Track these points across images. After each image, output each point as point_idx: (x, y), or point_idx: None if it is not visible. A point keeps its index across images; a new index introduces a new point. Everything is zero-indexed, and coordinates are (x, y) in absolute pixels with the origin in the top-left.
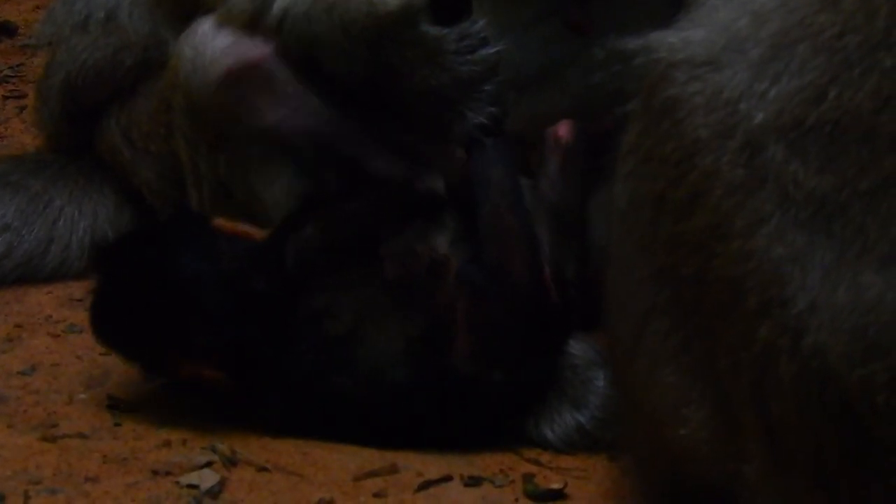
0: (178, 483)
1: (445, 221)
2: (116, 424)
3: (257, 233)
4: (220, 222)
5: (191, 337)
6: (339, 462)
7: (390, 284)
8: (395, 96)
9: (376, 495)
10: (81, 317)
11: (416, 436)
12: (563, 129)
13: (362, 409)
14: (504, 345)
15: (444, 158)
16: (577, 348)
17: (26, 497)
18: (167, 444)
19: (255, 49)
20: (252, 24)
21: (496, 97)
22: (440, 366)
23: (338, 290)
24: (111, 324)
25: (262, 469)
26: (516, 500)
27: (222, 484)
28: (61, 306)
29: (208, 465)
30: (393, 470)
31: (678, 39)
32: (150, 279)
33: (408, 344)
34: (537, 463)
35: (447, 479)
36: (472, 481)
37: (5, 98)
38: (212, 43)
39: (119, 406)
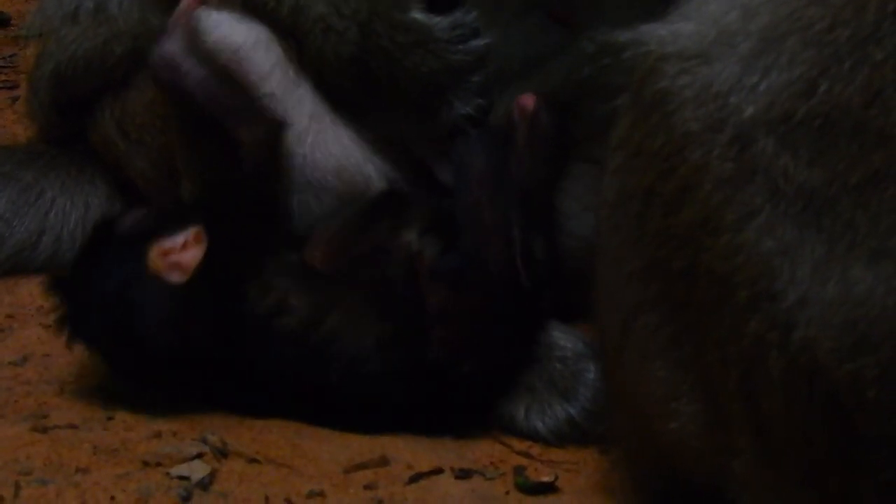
0: (168, 474)
1: (412, 213)
2: (108, 416)
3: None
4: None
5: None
6: (329, 454)
7: (359, 283)
8: (383, 80)
9: (367, 487)
10: None
11: (391, 423)
12: (528, 100)
13: (333, 399)
14: (477, 335)
15: (427, 146)
16: (567, 340)
17: (17, 488)
18: (158, 435)
19: (248, 32)
20: (245, 6)
21: (484, 88)
22: (411, 356)
23: (290, 286)
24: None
25: (253, 461)
26: (507, 492)
27: (213, 475)
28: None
29: (199, 456)
30: (383, 462)
31: (668, 32)
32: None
33: (379, 336)
34: (528, 456)
35: (438, 471)
36: (463, 474)
37: None
38: (205, 28)
39: (110, 397)
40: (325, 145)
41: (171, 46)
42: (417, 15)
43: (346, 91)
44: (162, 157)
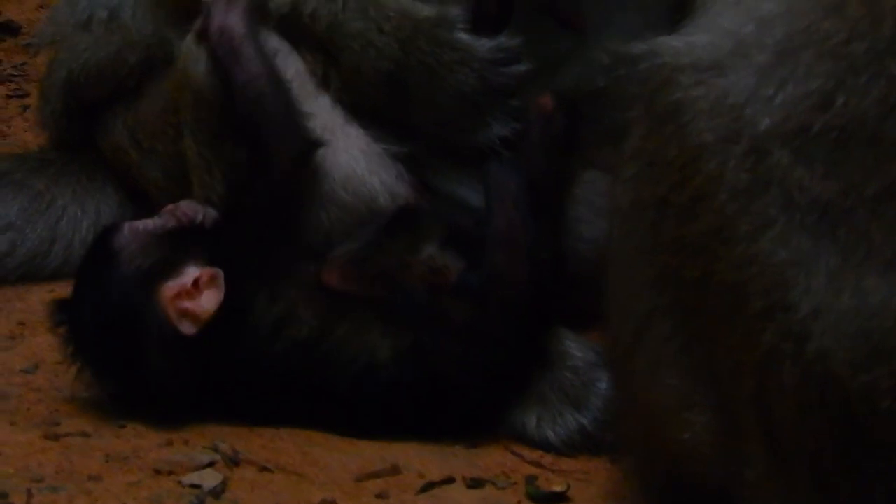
0: (180, 482)
1: (429, 230)
2: (119, 424)
3: None
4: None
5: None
6: (340, 462)
7: (378, 297)
8: (420, 97)
9: (378, 496)
10: None
11: (402, 432)
12: (546, 100)
13: (344, 407)
14: (496, 348)
15: (441, 163)
16: (579, 350)
17: (29, 495)
18: (169, 443)
19: (279, 44)
20: (265, 17)
21: (519, 113)
22: (425, 367)
23: (299, 295)
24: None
25: (264, 469)
26: (518, 502)
27: (224, 483)
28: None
29: (210, 464)
30: (395, 471)
31: (683, 44)
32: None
33: (392, 348)
34: (539, 465)
35: (449, 480)
36: (474, 483)
37: (8, 97)
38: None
39: (122, 405)
40: (335, 157)
41: (237, 23)
42: (463, 35)
43: (378, 106)
44: (174, 166)
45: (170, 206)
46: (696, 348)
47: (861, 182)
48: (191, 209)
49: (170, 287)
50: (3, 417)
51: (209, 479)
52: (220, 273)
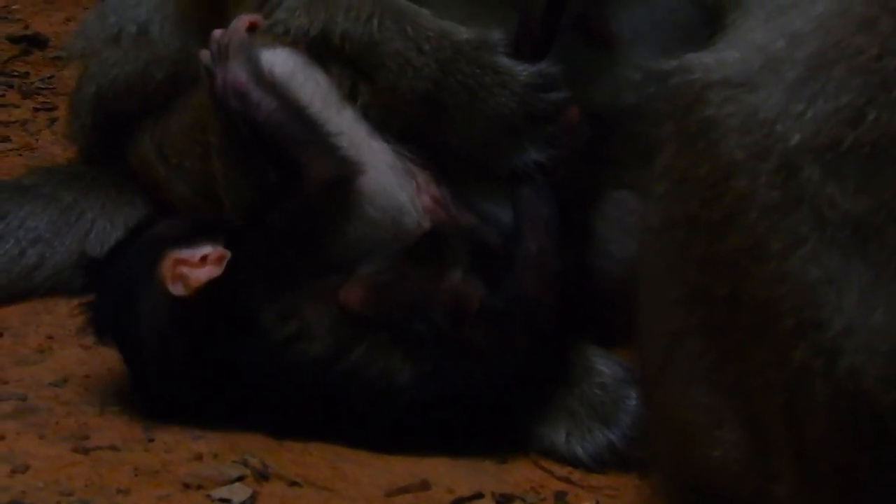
0: (209, 497)
1: (453, 253)
2: (149, 437)
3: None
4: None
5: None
6: (370, 477)
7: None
8: (457, 118)
9: None
10: None
11: (431, 447)
12: (573, 112)
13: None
14: (521, 369)
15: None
16: (607, 366)
17: None
18: (199, 457)
19: (288, 61)
20: (294, 38)
21: (555, 141)
22: (446, 388)
23: (315, 313)
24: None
25: (294, 483)
26: None
27: (254, 498)
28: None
29: (240, 479)
30: (424, 486)
31: (714, 60)
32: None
33: (412, 373)
34: (568, 481)
35: (478, 496)
36: (504, 499)
37: (36, 110)
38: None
39: (151, 418)
40: (366, 174)
41: (238, 74)
42: (504, 59)
43: (410, 124)
44: (202, 182)
45: None
46: (726, 366)
47: (893, 198)
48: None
49: (176, 252)
50: (33, 431)
51: (239, 493)
52: (227, 255)
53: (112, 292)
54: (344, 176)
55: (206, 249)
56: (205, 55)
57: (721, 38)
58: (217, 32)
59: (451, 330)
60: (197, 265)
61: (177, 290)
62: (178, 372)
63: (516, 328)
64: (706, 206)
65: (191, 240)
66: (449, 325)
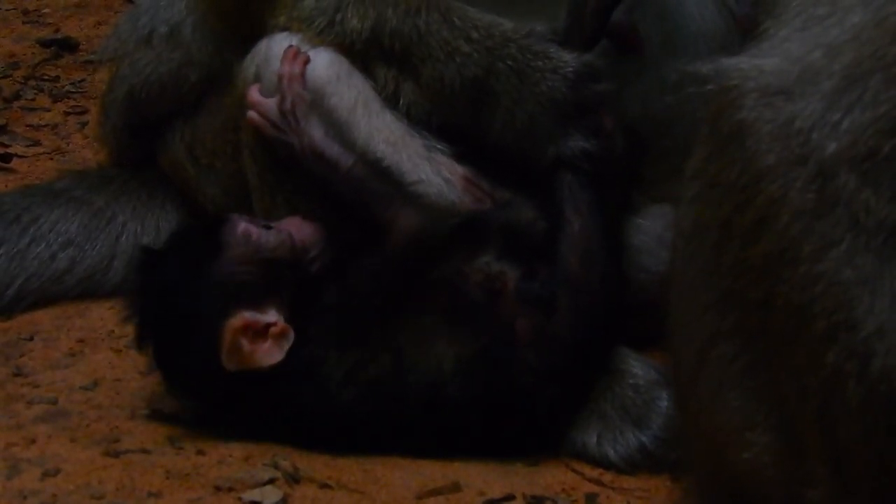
0: (240, 499)
1: (490, 241)
2: (179, 440)
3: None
4: None
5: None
6: (401, 480)
7: (439, 307)
8: (504, 103)
9: None
10: None
11: (463, 449)
12: (607, 120)
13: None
14: (567, 359)
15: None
16: (640, 368)
17: None
18: (230, 460)
19: (331, 66)
20: (329, 36)
21: (601, 131)
22: (489, 381)
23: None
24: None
25: (325, 486)
26: None
27: (285, 501)
28: (124, 322)
29: (271, 481)
30: (455, 488)
31: (751, 67)
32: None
33: (458, 360)
34: (599, 483)
35: (509, 497)
36: (535, 500)
37: (67, 114)
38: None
39: (182, 422)
40: (405, 174)
41: (311, 135)
42: (555, 47)
43: (454, 116)
44: (233, 183)
45: (292, 224)
46: (759, 369)
47: None
48: (310, 242)
49: (243, 317)
50: (64, 434)
51: (270, 496)
52: (292, 335)
53: (163, 311)
54: (431, 225)
55: (273, 316)
56: (254, 118)
57: (755, 46)
58: (271, 102)
59: (488, 309)
60: (259, 338)
61: (229, 364)
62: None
63: (563, 310)
64: (738, 210)
65: (259, 289)
66: (485, 304)
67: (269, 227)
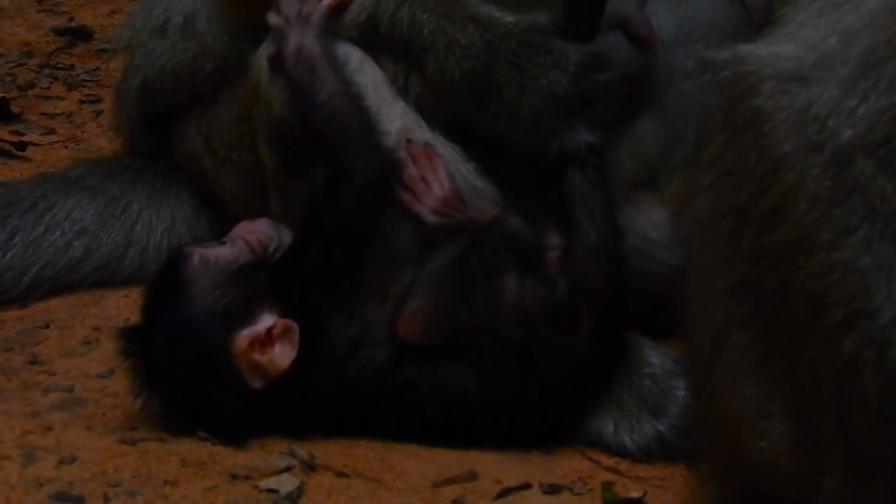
0: (256, 487)
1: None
2: (195, 428)
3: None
4: None
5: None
6: (417, 468)
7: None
8: (506, 96)
9: (455, 502)
10: None
11: (479, 438)
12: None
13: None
14: (580, 363)
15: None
16: (657, 357)
17: (105, 499)
18: (246, 448)
19: (346, 54)
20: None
21: (606, 122)
22: (508, 385)
23: (373, 316)
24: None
25: (341, 474)
26: None
27: (301, 489)
28: (139, 310)
29: (287, 469)
30: (471, 477)
31: (768, 53)
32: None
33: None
34: (616, 471)
35: (526, 486)
36: (551, 489)
37: (81, 102)
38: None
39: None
40: None
41: (313, 47)
42: (555, 40)
43: (458, 110)
44: (250, 175)
45: (242, 230)
46: (775, 357)
47: None
48: (265, 237)
49: (244, 336)
50: (80, 422)
51: (286, 484)
52: (295, 327)
53: (167, 369)
54: (391, 171)
55: (269, 320)
56: (275, 18)
57: (771, 32)
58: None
59: (523, 340)
60: (267, 345)
61: (256, 383)
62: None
63: (583, 319)
64: (754, 198)
65: (243, 302)
66: (519, 335)
67: (222, 243)
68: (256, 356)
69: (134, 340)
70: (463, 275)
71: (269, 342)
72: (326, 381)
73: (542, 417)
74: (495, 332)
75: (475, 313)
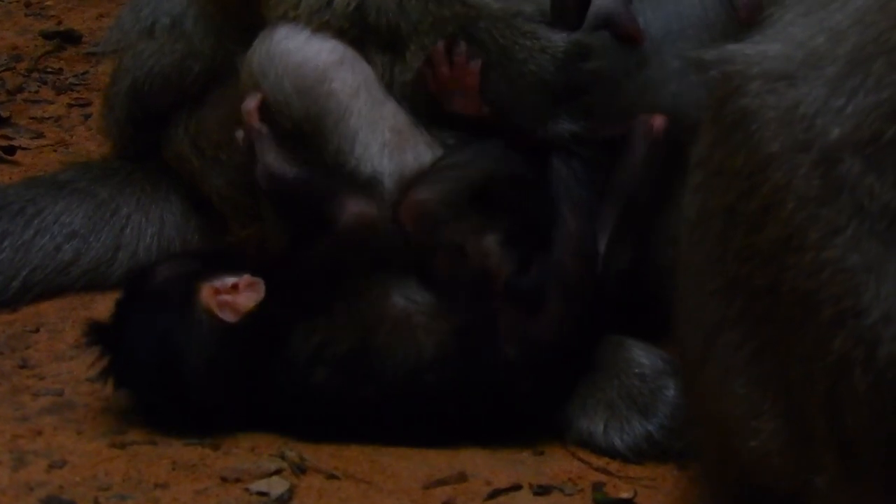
0: (247, 490)
1: (498, 219)
2: (185, 431)
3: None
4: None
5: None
6: (407, 470)
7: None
8: (492, 82)
9: (446, 503)
10: None
11: (468, 439)
12: (660, 121)
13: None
14: (544, 357)
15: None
16: (647, 357)
17: (96, 503)
18: (236, 451)
19: (332, 52)
20: (325, 21)
21: (590, 112)
22: (469, 370)
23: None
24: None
25: (332, 476)
26: None
27: (292, 491)
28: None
29: (277, 472)
30: (462, 478)
31: (754, 52)
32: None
33: (436, 348)
34: (606, 472)
35: (516, 487)
36: (542, 490)
37: (70, 106)
38: (285, 48)
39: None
40: (407, 163)
41: (269, 158)
42: (542, 27)
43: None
44: (237, 175)
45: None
46: (765, 356)
47: None
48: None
49: (209, 284)
50: (70, 426)
51: (276, 486)
52: (260, 280)
53: (136, 339)
54: (372, 216)
55: (233, 279)
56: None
57: (759, 32)
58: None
59: (474, 298)
60: (234, 292)
61: (227, 316)
62: (220, 393)
63: (549, 308)
64: (743, 197)
65: (210, 272)
66: (473, 291)
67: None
68: (224, 297)
69: (104, 334)
70: (469, 199)
71: (236, 292)
72: (299, 386)
73: (499, 403)
74: (458, 275)
75: (454, 241)
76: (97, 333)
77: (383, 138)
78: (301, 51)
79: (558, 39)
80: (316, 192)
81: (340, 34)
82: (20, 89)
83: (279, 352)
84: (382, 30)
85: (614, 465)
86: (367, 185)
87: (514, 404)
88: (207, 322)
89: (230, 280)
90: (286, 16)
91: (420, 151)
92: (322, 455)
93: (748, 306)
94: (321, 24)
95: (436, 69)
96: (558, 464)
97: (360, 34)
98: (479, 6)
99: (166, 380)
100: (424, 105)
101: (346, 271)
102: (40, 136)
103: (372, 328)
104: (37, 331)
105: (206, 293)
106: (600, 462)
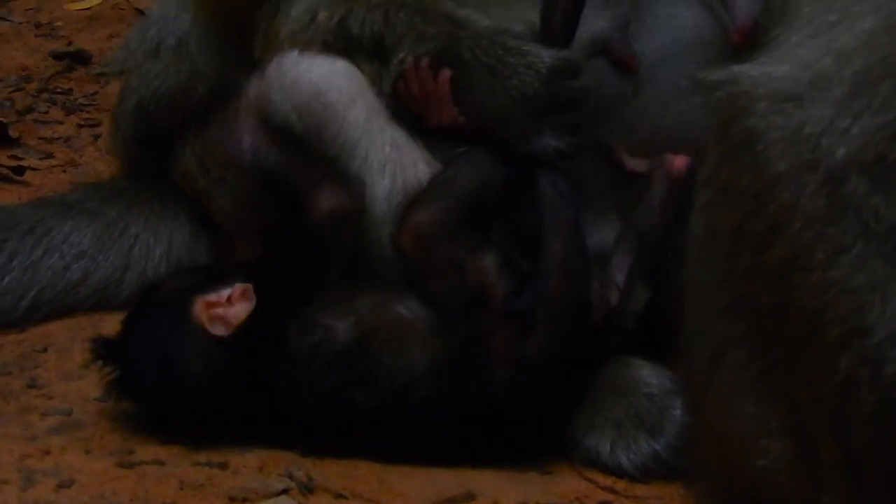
0: None
1: (496, 241)
2: (193, 451)
3: None
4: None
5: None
6: (415, 489)
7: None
8: (476, 98)
9: None
10: None
11: (473, 457)
12: (681, 162)
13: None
14: (537, 380)
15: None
16: (654, 377)
17: None
18: (243, 470)
19: (328, 66)
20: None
21: (576, 129)
22: (463, 387)
23: (332, 317)
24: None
25: (339, 496)
26: None
27: None
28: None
29: (285, 491)
30: (469, 497)
31: (760, 73)
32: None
33: (431, 362)
34: (613, 491)
35: None
36: None
37: (80, 126)
38: (279, 72)
39: (195, 432)
40: (404, 173)
41: (245, 132)
42: (529, 44)
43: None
44: (243, 194)
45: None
46: (772, 375)
47: None
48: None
49: (203, 298)
50: (78, 445)
51: None
52: (251, 287)
53: (141, 358)
54: (349, 208)
55: (228, 290)
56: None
57: (764, 53)
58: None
59: (469, 315)
60: (228, 305)
61: (218, 330)
62: (222, 403)
63: (540, 330)
64: (750, 217)
65: (208, 286)
66: (468, 308)
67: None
68: (217, 310)
69: (111, 349)
70: (466, 217)
71: (230, 304)
72: (295, 387)
73: (492, 420)
74: (455, 292)
75: (452, 261)
76: (104, 348)
77: (383, 153)
78: (295, 69)
79: (545, 56)
80: (295, 178)
81: (326, 48)
82: (30, 109)
83: (278, 352)
84: (366, 42)
85: (621, 485)
86: (347, 178)
87: (507, 423)
88: (202, 336)
89: (224, 292)
90: (280, 48)
91: (419, 168)
92: (330, 474)
93: (755, 325)
94: (307, 42)
95: (408, 84)
96: (565, 483)
97: (345, 46)
98: (466, 23)
99: (170, 393)
100: (409, 118)
101: (326, 264)
102: (50, 156)
103: (370, 332)
104: (45, 350)
105: (199, 308)
106: (607, 481)
